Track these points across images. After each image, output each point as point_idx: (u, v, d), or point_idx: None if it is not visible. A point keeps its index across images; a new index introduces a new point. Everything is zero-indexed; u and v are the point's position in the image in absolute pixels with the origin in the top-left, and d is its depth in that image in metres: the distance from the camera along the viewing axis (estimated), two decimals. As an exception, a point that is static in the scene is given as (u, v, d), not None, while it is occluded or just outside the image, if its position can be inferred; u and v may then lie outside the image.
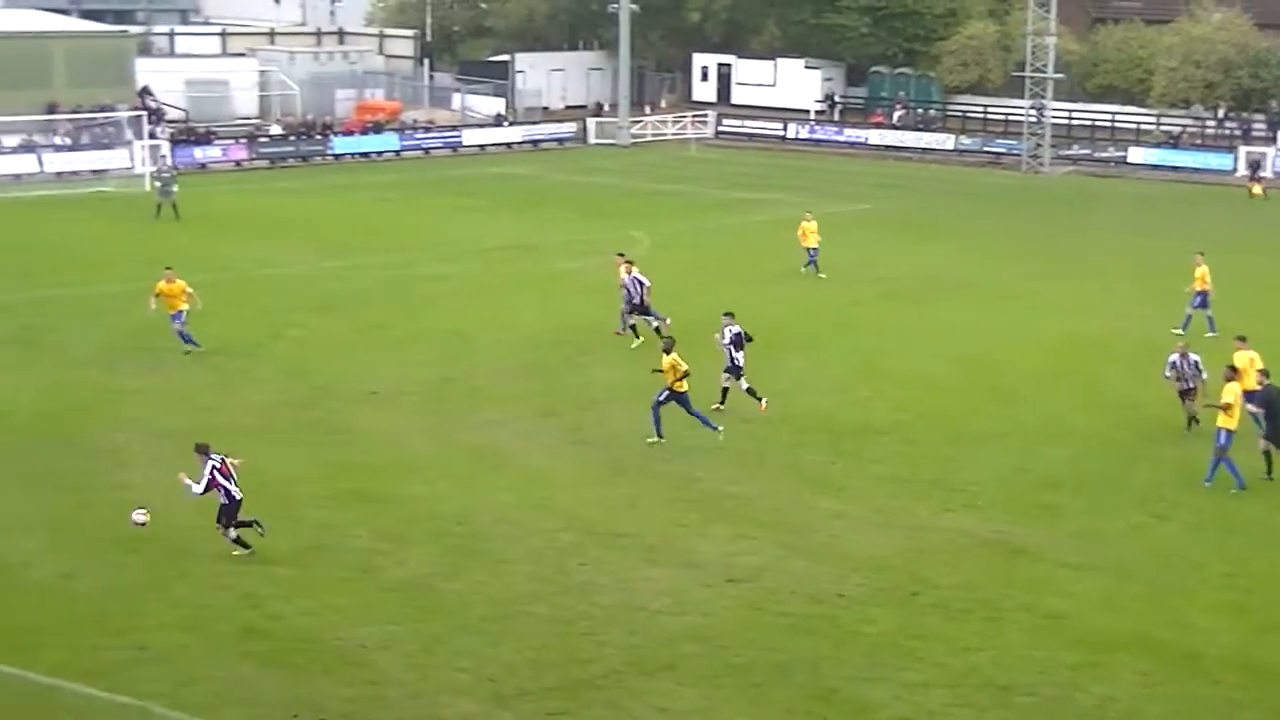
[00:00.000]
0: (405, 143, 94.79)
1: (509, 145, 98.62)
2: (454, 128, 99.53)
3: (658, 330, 44.32)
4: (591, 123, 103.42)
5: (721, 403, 38.63)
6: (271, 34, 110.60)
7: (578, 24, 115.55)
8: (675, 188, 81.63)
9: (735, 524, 31.01)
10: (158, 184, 68.89)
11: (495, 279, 54.63)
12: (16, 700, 23.11)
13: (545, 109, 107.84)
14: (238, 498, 28.81)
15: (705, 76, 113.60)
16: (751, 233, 64.39)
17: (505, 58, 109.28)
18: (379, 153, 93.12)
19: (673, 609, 26.76)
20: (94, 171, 79.75)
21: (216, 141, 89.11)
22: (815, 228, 55.91)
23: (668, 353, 35.88)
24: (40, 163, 79.96)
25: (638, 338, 44.97)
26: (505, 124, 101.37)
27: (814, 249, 55.69)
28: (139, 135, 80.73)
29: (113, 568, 28.28)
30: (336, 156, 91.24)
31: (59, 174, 79.38)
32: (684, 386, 35.80)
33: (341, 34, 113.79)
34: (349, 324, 47.93)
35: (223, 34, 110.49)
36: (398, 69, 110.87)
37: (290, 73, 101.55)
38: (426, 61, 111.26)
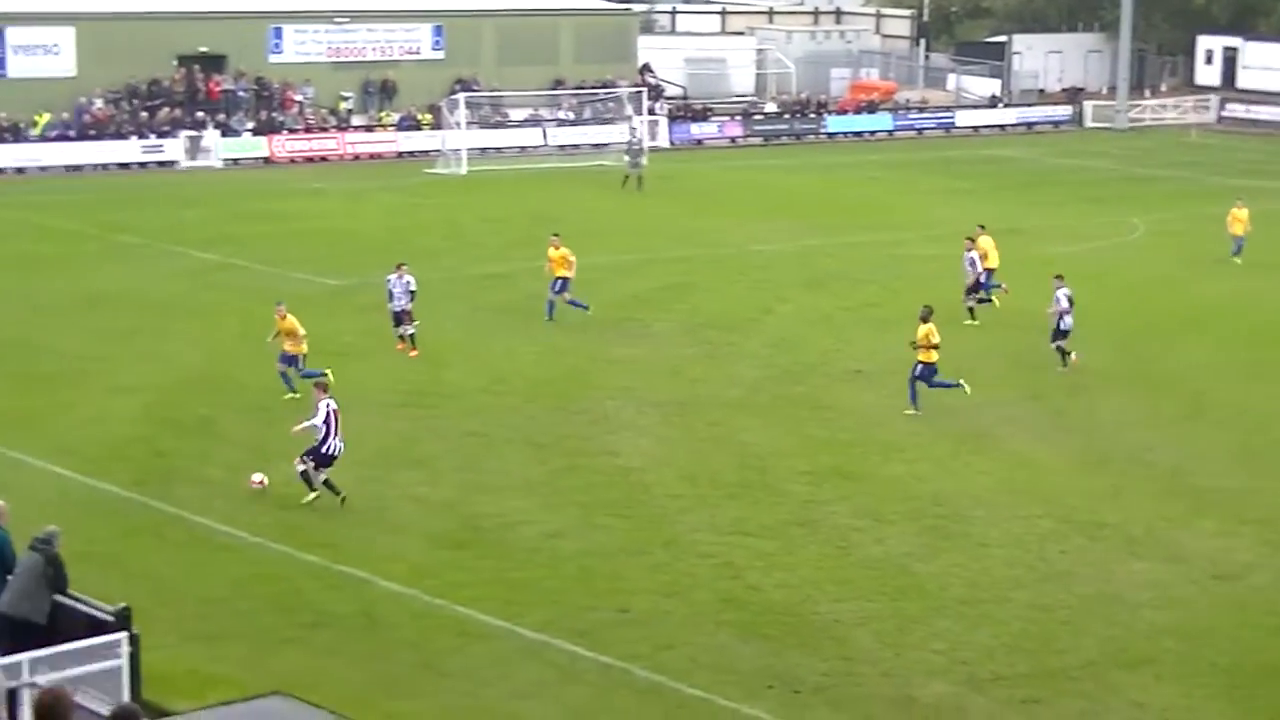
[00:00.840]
0: (899, 123, 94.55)
1: (1002, 127, 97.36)
2: (948, 108, 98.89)
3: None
4: (1088, 106, 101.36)
5: (1064, 362, 39.81)
6: (770, 13, 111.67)
7: (1077, 5, 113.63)
8: (1172, 174, 79.43)
9: (1223, 519, 30.18)
10: (626, 157, 70.54)
11: (983, 261, 54.14)
12: (509, 653, 24.05)
13: (1041, 91, 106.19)
14: (333, 453, 29.52)
15: (1209, 60, 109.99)
16: (1253, 222, 62.19)
17: (1002, 39, 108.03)
18: (872, 132, 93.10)
19: (1154, 603, 26.22)
20: (594, 145, 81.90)
21: (712, 118, 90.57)
22: (1246, 215, 54.12)
23: (924, 321, 35.99)
24: (545, 136, 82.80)
25: (973, 319, 45.13)
26: (1000, 105, 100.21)
27: (1240, 237, 53.95)
28: (639, 111, 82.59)
29: (598, 530, 29.15)
30: (830, 135, 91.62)
31: (561, 147, 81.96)
32: (933, 357, 36.00)
33: (839, 13, 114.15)
34: (837, 301, 48.24)
35: (723, 13, 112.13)
36: (893, 49, 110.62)
37: (787, 51, 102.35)
38: (922, 42, 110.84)
